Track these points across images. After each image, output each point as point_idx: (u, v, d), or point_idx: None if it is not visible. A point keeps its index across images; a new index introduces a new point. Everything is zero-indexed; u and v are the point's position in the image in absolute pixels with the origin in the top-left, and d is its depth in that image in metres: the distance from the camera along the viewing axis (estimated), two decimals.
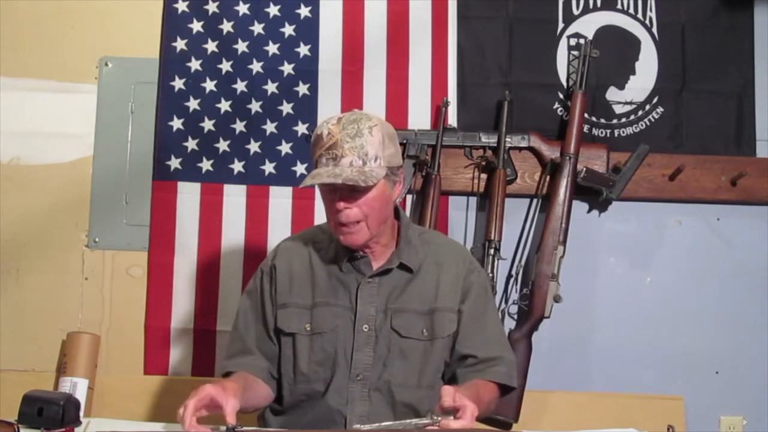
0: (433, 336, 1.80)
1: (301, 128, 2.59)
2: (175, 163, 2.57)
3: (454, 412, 1.50)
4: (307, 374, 1.79)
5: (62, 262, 2.57)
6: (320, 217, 2.50)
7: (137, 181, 2.58)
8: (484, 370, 1.79)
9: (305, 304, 1.82)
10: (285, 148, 2.58)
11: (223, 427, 1.57)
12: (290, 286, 1.84)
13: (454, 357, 1.81)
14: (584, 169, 2.51)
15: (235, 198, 2.57)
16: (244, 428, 1.56)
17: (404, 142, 2.50)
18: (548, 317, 2.47)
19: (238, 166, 2.58)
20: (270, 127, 2.59)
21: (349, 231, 1.73)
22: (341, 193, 1.71)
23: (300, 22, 2.61)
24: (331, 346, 1.78)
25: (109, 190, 2.59)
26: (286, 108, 2.59)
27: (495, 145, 2.54)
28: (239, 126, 2.58)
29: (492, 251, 2.45)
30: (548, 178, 2.55)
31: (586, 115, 2.58)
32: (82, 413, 1.63)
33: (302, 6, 2.61)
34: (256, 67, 2.59)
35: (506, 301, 2.55)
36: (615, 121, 2.65)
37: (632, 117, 2.65)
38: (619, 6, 2.67)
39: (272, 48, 2.60)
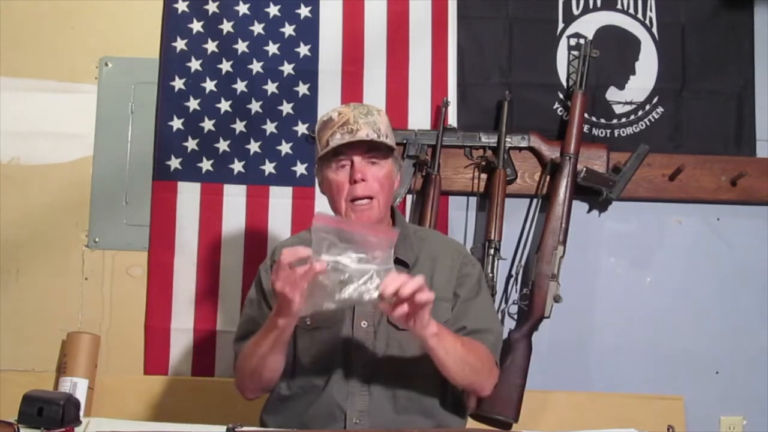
0: None
1: (301, 128, 2.59)
2: (175, 163, 2.57)
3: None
4: (307, 368, 1.79)
5: (62, 262, 2.57)
6: None
7: (137, 181, 2.58)
8: (475, 338, 1.80)
9: None
10: (285, 148, 2.58)
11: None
12: None
13: None
14: (584, 169, 2.51)
15: (235, 198, 2.57)
16: (244, 428, 1.56)
17: (404, 142, 2.50)
18: (548, 317, 2.47)
19: (238, 166, 2.58)
20: (270, 127, 2.59)
21: (361, 208, 1.77)
22: (357, 167, 1.76)
23: (300, 22, 2.61)
24: (331, 342, 1.79)
25: (109, 190, 2.59)
26: (286, 108, 2.59)
27: (495, 145, 2.54)
28: (239, 126, 2.58)
29: (492, 251, 2.45)
30: (548, 178, 2.55)
31: (586, 115, 2.58)
32: (82, 413, 1.62)
33: (302, 6, 2.61)
34: (256, 67, 2.59)
35: (506, 301, 2.55)
36: (615, 121, 2.65)
37: (632, 117, 2.65)
38: (619, 6, 2.67)
39: (272, 48, 2.60)
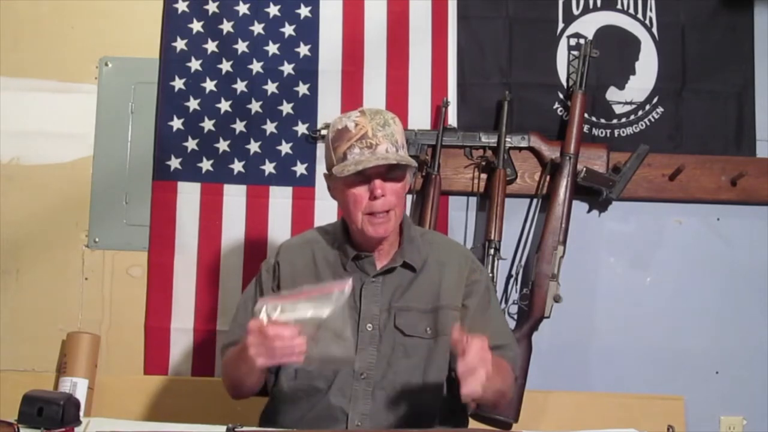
0: (437, 334, 1.80)
1: (301, 128, 2.59)
2: (175, 163, 2.57)
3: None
4: (310, 371, 1.79)
5: (62, 262, 2.57)
6: (320, 217, 2.51)
7: (137, 181, 2.58)
8: (496, 354, 1.77)
9: None
10: (285, 148, 2.58)
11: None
12: (293, 284, 1.83)
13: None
14: (584, 169, 2.51)
15: (235, 198, 2.57)
16: (244, 428, 1.56)
17: None
18: (548, 317, 2.47)
19: (238, 166, 2.58)
20: (270, 127, 2.59)
21: (379, 221, 1.75)
22: (375, 181, 1.73)
23: (300, 22, 2.61)
24: None
25: (109, 190, 2.59)
26: (286, 108, 2.59)
27: (495, 145, 2.54)
28: (239, 126, 2.58)
29: (492, 251, 2.45)
30: (548, 178, 2.55)
31: (586, 115, 2.58)
32: (82, 413, 1.63)
33: (302, 6, 2.61)
34: (256, 67, 2.59)
35: (506, 301, 2.55)
36: (615, 121, 2.65)
37: (632, 117, 2.65)
38: (619, 6, 2.67)
39: (272, 48, 2.60)
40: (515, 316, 2.53)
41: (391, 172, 1.75)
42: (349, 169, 1.71)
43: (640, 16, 2.67)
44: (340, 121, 1.77)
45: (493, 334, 1.79)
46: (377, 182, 1.73)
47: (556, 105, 2.64)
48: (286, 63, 2.60)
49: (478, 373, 1.50)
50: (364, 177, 1.73)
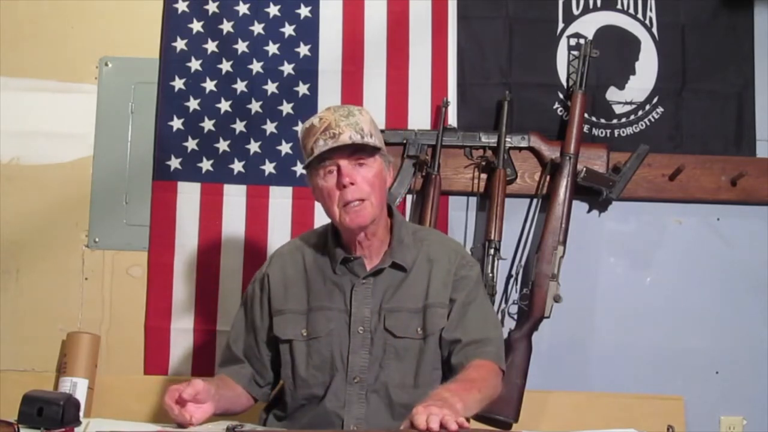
0: (427, 334, 1.79)
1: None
2: (175, 163, 2.57)
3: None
4: (306, 379, 1.79)
5: (62, 262, 2.57)
6: (320, 217, 2.50)
7: (137, 181, 2.59)
8: (473, 352, 1.77)
9: (301, 310, 1.83)
10: (285, 148, 2.58)
11: (225, 424, 1.58)
12: (285, 293, 1.85)
13: (443, 345, 1.80)
14: (584, 169, 2.51)
15: (235, 198, 2.57)
16: (245, 428, 1.56)
17: (404, 142, 2.51)
18: (548, 317, 2.47)
19: (238, 166, 2.58)
20: (270, 127, 2.59)
21: (354, 209, 1.74)
22: (344, 171, 1.73)
23: (300, 22, 2.61)
24: (328, 350, 1.78)
25: (109, 190, 2.59)
26: (286, 108, 2.59)
27: (495, 145, 2.54)
28: (239, 126, 2.58)
29: (492, 251, 2.45)
30: (548, 178, 2.55)
31: (586, 115, 2.58)
32: (82, 413, 1.63)
33: (302, 6, 2.61)
34: (256, 67, 2.59)
35: (506, 301, 2.55)
36: (615, 121, 2.65)
37: (632, 117, 2.65)
38: (619, 6, 2.67)
39: (272, 48, 2.60)
40: (515, 316, 2.53)
41: (358, 159, 1.74)
42: (308, 159, 1.74)
43: (640, 16, 2.67)
44: (308, 121, 1.79)
45: (471, 327, 1.79)
46: (344, 169, 1.73)
47: (556, 105, 2.64)
48: (286, 63, 2.60)
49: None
50: (333, 167, 1.74)
